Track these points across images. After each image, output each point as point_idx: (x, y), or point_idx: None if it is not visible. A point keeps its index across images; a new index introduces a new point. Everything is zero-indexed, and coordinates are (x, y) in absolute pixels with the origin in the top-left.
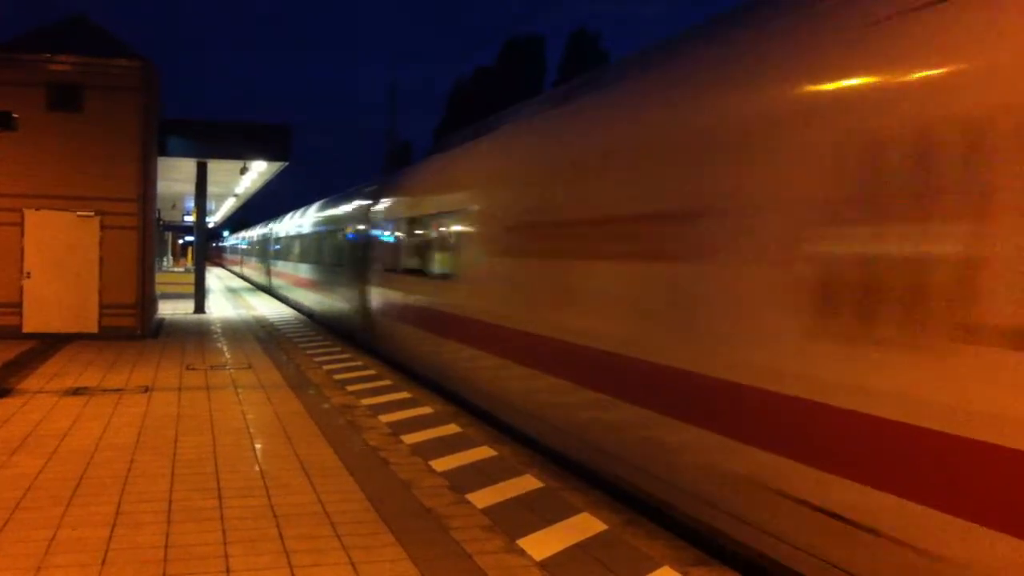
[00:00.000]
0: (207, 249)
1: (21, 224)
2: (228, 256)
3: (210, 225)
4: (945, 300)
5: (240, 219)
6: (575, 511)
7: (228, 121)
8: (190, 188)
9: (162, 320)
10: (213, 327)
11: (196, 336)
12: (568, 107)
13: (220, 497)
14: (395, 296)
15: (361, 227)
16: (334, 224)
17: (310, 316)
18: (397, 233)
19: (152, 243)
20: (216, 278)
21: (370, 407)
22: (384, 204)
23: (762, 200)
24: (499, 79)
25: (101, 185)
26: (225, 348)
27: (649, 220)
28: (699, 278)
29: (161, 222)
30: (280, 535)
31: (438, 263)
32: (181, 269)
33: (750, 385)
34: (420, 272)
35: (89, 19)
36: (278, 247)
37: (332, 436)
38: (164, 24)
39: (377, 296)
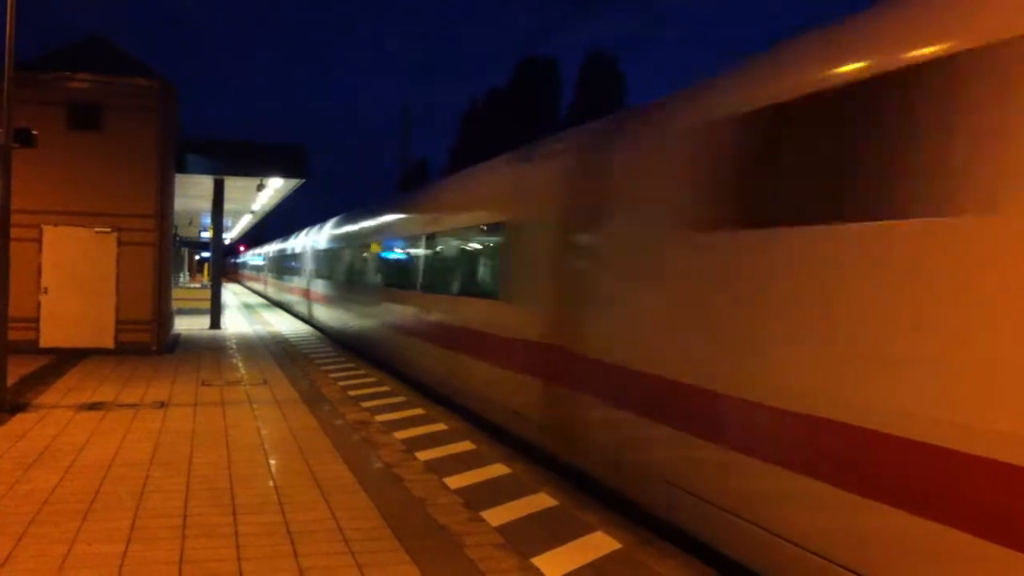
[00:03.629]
0: (223, 265)
1: (39, 240)
2: (244, 272)
3: (226, 241)
4: None
5: (256, 235)
6: (589, 529)
7: (247, 142)
8: (207, 205)
9: (178, 335)
10: (229, 343)
11: (212, 352)
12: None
13: (235, 513)
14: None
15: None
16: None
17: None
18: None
19: (169, 259)
20: (232, 294)
21: (384, 423)
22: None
23: None
24: (513, 100)
25: (119, 202)
26: (240, 364)
27: None
28: None
29: (178, 238)
30: (294, 552)
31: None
32: (197, 285)
33: None
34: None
35: (107, 39)
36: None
37: (347, 452)
38: (177, 42)
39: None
